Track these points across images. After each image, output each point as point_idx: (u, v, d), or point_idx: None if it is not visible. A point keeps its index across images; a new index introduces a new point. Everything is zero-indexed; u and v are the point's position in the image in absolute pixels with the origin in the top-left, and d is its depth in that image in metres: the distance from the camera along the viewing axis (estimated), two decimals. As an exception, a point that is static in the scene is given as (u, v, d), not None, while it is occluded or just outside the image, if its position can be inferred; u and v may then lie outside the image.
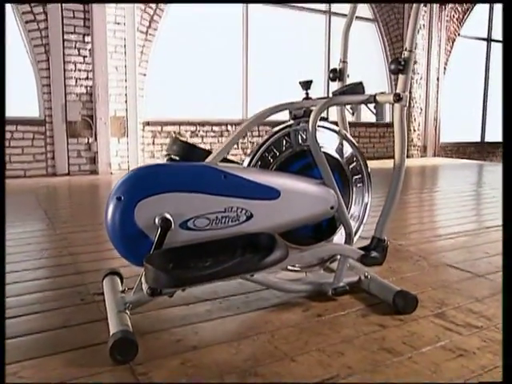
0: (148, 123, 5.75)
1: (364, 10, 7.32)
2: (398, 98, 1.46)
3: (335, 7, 7.05)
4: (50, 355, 1.22)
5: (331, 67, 1.87)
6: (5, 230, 2.14)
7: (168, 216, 1.29)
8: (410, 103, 7.93)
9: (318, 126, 1.57)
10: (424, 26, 7.91)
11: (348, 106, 1.71)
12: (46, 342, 1.30)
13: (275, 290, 1.60)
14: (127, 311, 1.33)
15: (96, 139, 5.34)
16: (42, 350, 1.24)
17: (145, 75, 5.66)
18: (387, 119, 7.56)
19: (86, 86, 5.25)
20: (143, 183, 1.33)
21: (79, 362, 1.19)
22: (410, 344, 1.30)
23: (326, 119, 1.63)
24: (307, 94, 1.61)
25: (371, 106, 1.58)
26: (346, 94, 1.62)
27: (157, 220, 1.28)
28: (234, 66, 6.43)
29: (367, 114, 1.69)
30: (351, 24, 1.80)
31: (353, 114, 1.71)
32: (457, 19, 8.42)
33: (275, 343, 1.30)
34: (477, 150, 9.15)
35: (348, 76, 1.83)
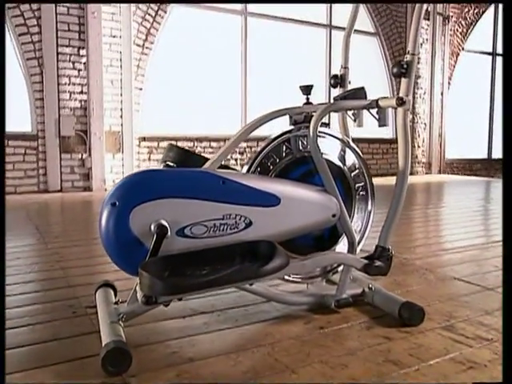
0: (144, 139, 5.78)
1: (365, 23, 7.43)
2: (400, 102, 1.48)
3: (335, 22, 7.16)
4: (40, 367, 1.20)
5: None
6: (5, 243, 2.14)
7: (164, 223, 1.29)
8: (413, 118, 8.00)
9: (320, 132, 1.58)
10: (427, 40, 8.04)
11: (350, 113, 1.72)
12: (36, 354, 1.29)
13: (276, 302, 1.59)
14: (121, 322, 1.32)
15: (90, 155, 5.36)
16: (32, 363, 1.23)
17: (141, 89, 5.72)
18: (391, 134, 7.62)
19: (81, 100, 5.30)
20: (139, 188, 1.33)
21: (70, 374, 1.18)
22: (417, 356, 1.29)
23: (327, 125, 1.65)
24: (308, 98, 1.62)
25: (373, 111, 1.59)
26: (347, 99, 1.63)
27: (152, 227, 1.28)
28: (232, 79, 6.50)
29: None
30: (352, 29, 1.83)
31: (355, 120, 1.72)
32: (460, 33, 8.55)
33: (275, 355, 1.28)
34: (484, 167, 9.19)
35: (350, 82, 1.85)
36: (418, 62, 7.82)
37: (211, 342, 1.37)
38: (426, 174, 8.24)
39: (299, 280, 1.67)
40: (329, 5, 7.19)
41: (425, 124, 8.21)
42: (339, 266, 1.69)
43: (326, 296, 1.60)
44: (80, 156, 5.35)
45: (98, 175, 5.40)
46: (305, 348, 1.33)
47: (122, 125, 5.55)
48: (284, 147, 1.59)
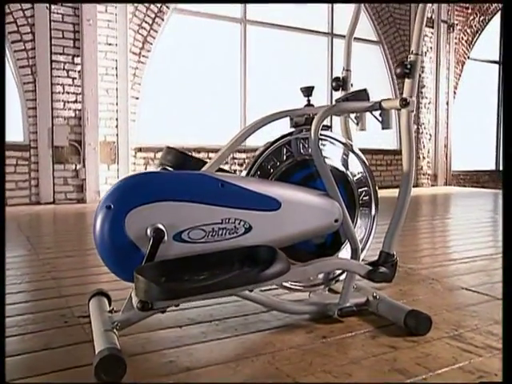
0: (140, 149, 5.80)
1: (368, 31, 7.50)
2: (404, 103, 1.49)
3: (337, 30, 7.22)
4: (32, 376, 1.20)
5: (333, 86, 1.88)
6: (5, 252, 2.14)
7: (161, 227, 1.29)
8: (418, 129, 8.03)
9: (321, 135, 1.59)
10: (431, 48, 8.11)
11: (352, 116, 1.73)
12: (27, 363, 1.28)
13: (277, 310, 1.58)
14: (115, 330, 1.31)
15: (84, 166, 5.37)
16: (24, 372, 1.22)
17: (137, 99, 5.75)
18: (394, 145, 7.65)
19: (75, 110, 5.33)
20: (135, 191, 1.33)
21: (62, 383, 1.17)
22: (425, 365, 1.28)
23: (329, 127, 1.66)
24: (309, 100, 1.63)
25: (377, 113, 1.60)
26: (349, 101, 1.65)
27: (149, 231, 1.28)
28: (231, 88, 6.53)
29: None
30: (355, 30, 1.85)
31: (357, 123, 1.73)
32: (466, 41, 8.63)
33: (276, 364, 1.27)
34: (491, 179, 9.21)
35: (352, 85, 1.87)
36: (422, 71, 7.88)
37: (209, 351, 1.36)
38: (432, 186, 8.25)
39: (301, 288, 1.67)
40: (330, 13, 7.27)
41: (430, 135, 8.24)
42: (342, 273, 1.68)
43: (328, 305, 1.59)
44: (74, 167, 5.36)
45: (92, 187, 5.40)
46: (307, 357, 1.32)
47: (117, 135, 5.57)
48: (285, 150, 1.60)
